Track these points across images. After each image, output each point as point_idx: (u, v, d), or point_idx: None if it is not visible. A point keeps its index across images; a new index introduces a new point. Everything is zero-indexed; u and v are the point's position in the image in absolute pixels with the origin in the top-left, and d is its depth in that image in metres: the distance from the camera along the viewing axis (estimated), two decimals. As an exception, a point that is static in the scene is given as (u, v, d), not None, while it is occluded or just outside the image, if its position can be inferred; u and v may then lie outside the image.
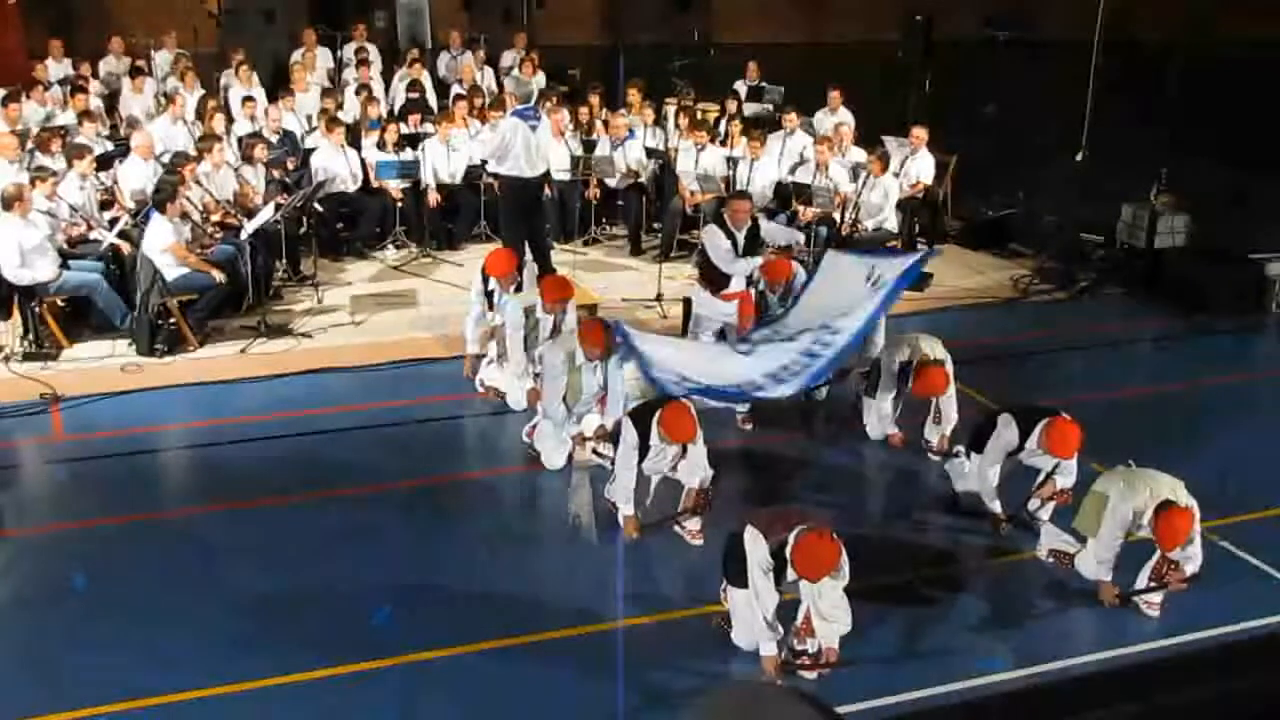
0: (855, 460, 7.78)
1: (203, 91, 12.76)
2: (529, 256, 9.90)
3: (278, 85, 13.15)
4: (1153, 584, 6.00)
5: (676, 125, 12.48)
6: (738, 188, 11.12)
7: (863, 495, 7.44)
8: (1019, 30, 24.16)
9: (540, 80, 14.18)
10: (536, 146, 9.84)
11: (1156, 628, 5.95)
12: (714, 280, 8.22)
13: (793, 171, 11.50)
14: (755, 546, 5.33)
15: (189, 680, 5.31)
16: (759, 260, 8.22)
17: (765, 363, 7.04)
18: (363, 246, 11.47)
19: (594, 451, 7.32)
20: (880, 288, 7.24)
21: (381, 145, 11.48)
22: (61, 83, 12.83)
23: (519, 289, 8.30)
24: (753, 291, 8.38)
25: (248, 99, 12.32)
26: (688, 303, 8.71)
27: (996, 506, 6.72)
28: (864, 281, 7.43)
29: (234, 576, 6.16)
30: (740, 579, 5.44)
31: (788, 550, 5.24)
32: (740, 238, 8.12)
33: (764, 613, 5.37)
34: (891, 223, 10.90)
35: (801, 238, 8.84)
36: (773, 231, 8.58)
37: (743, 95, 13.73)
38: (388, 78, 14.36)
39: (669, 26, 20.11)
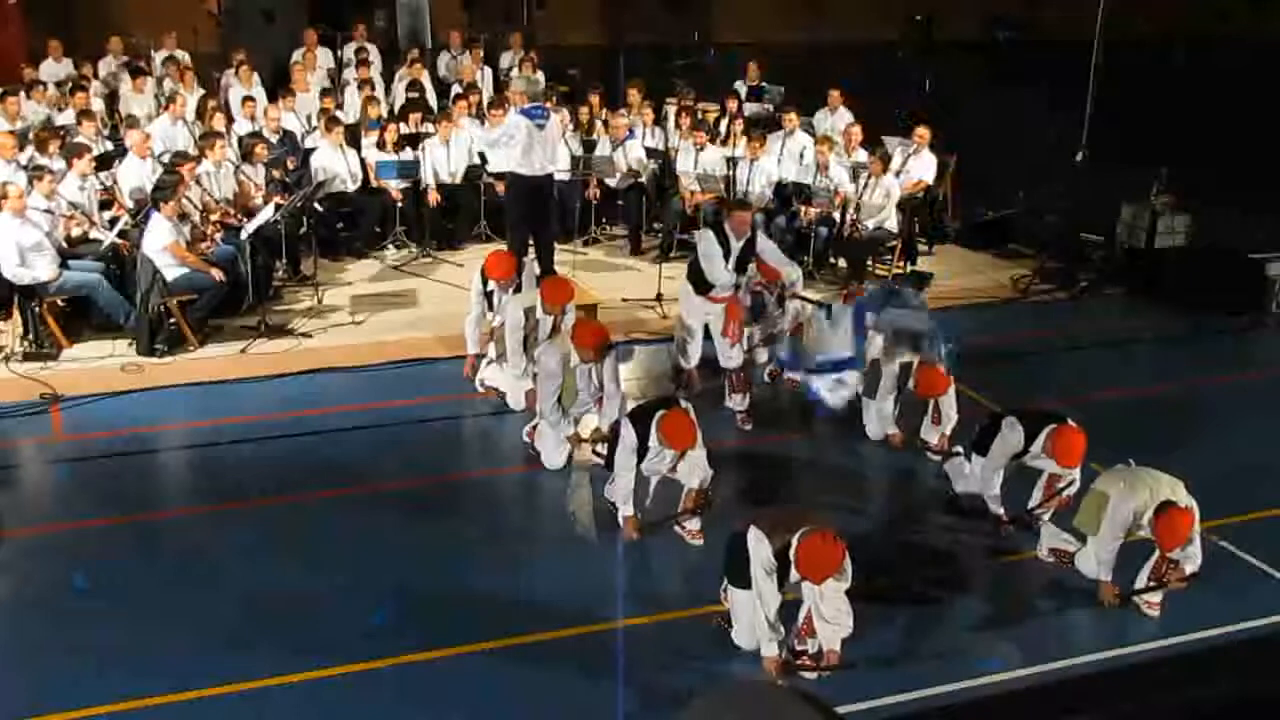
0: (855, 460, 7.78)
1: (202, 91, 12.77)
2: (530, 256, 9.92)
3: (278, 85, 13.16)
4: (1153, 584, 6.01)
5: (676, 125, 12.48)
6: (738, 188, 11.14)
7: (863, 495, 7.43)
8: (1019, 30, 24.19)
9: (540, 80, 14.18)
10: (544, 145, 9.84)
11: (1156, 628, 5.95)
12: (699, 282, 8.09)
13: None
14: (759, 547, 5.33)
15: (189, 680, 5.30)
16: (742, 279, 8.05)
17: None
18: (363, 246, 11.48)
19: (593, 452, 7.32)
20: None
21: (381, 145, 11.48)
22: (60, 84, 12.83)
23: (518, 290, 8.30)
24: (745, 295, 8.34)
25: (248, 99, 12.32)
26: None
27: (999, 509, 6.72)
28: None
29: (234, 576, 6.15)
30: (743, 580, 5.43)
31: (791, 552, 5.24)
32: (736, 248, 7.94)
33: (766, 614, 5.36)
34: (892, 223, 10.90)
35: (798, 276, 8.53)
36: (770, 254, 8.20)
37: (743, 95, 13.72)
38: (388, 78, 14.36)
39: (669, 26, 20.11)
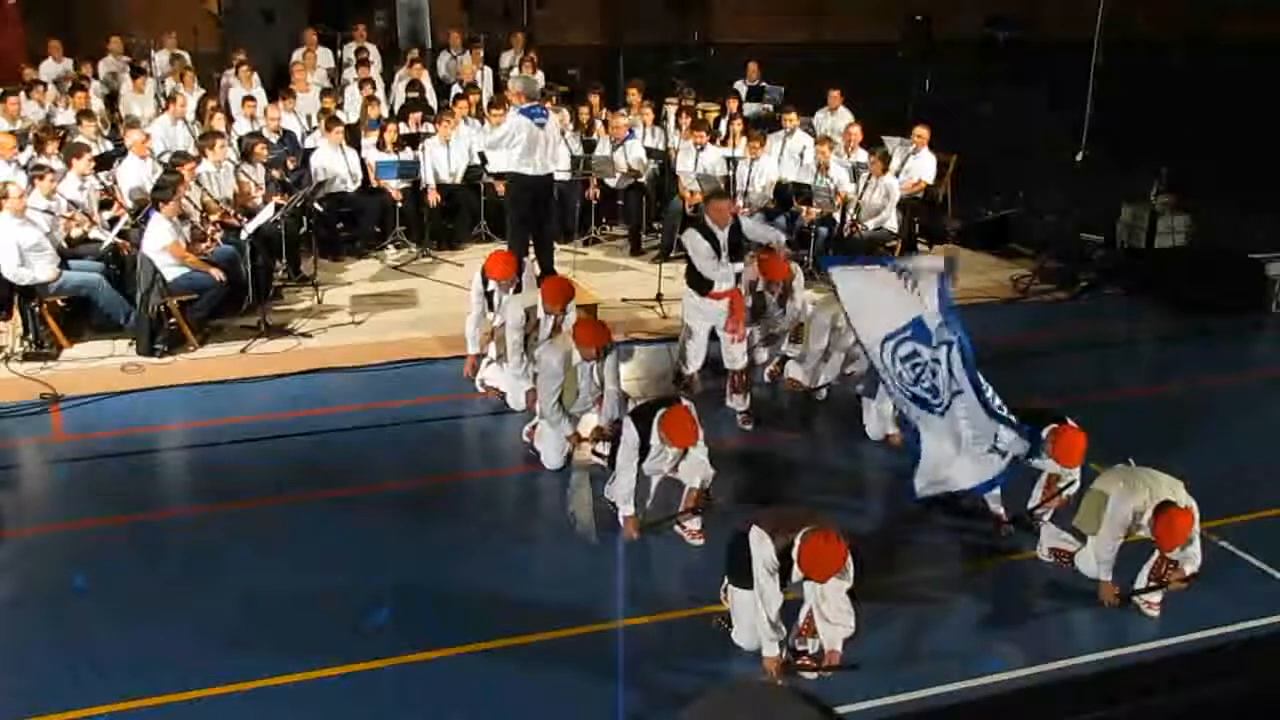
0: (855, 460, 7.78)
1: (203, 91, 12.77)
2: (531, 256, 9.92)
3: (278, 85, 13.16)
4: (1153, 584, 6.01)
5: (677, 125, 12.48)
6: (738, 188, 11.14)
7: (863, 495, 7.43)
8: (1019, 30, 24.18)
9: (540, 80, 14.19)
10: (544, 145, 9.84)
11: (1156, 628, 5.95)
12: (700, 282, 8.11)
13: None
14: (761, 546, 5.32)
15: (188, 680, 5.30)
16: (740, 266, 8.12)
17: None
18: (363, 246, 11.49)
19: (593, 452, 7.32)
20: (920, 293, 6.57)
21: (381, 145, 11.48)
22: (58, 82, 12.83)
23: (518, 290, 8.30)
24: (744, 291, 8.36)
25: (248, 99, 12.33)
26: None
27: (999, 509, 6.71)
28: (900, 284, 6.69)
29: (233, 577, 6.15)
30: (745, 579, 5.43)
31: (794, 551, 5.23)
32: (722, 238, 7.97)
33: (768, 613, 5.36)
34: (892, 223, 10.90)
35: (782, 236, 8.61)
36: (753, 229, 8.33)
37: (743, 95, 13.73)
38: (388, 78, 14.37)
39: (669, 26, 20.12)
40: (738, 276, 8.18)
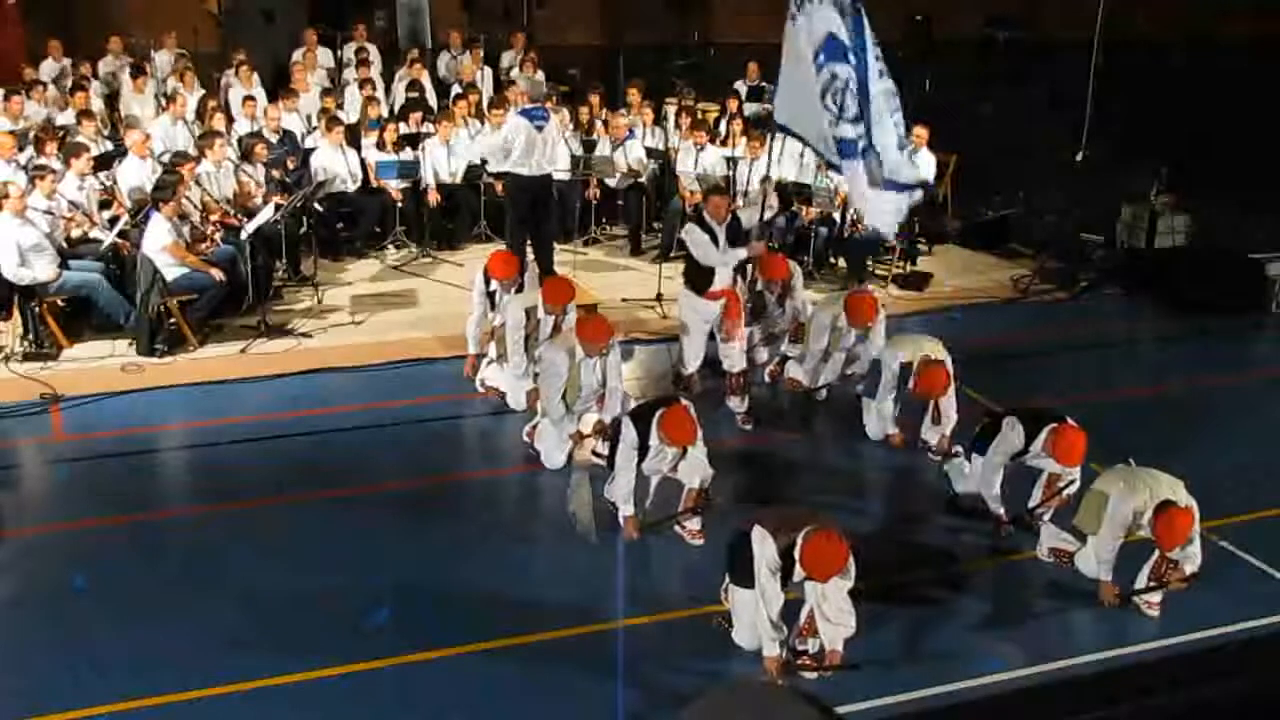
0: (855, 460, 7.78)
1: (203, 91, 12.77)
2: (531, 257, 9.92)
3: (278, 85, 13.16)
4: (1153, 584, 6.01)
5: (676, 125, 12.48)
6: (738, 188, 11.14)
7: (863, 495, 7.43)
8: (1019, 30, 24.16)
9: (543, 82, 14.19)
10: (543, 146, 9.84)
11: (1156, 628, 5.95)
12: (697, 281, 8.12)
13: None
14: (763, 546, 5.32)
15: (188, 680, 5.30)
16: (743, 252, 8.12)
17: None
18: (363, 246, 11.49)
19: (593, 451, 7.32)
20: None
21: (381, 145, 11.48)
22: (57, 80, 12.83)
23: (520, 290, 8.30)
24: (742, 290, 8.36)
25: (248, 99, 12.33)
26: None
27: (999, 508, 6.71)
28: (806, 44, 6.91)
29: (233, 577, 6.15)
30: (746, 579, 5.43)
31: (796, 550, 5.23)
32: (721, 233, 7.97)
33: (769, 613, 5.36)
34: (892, 223, 10.87)
35: (773, 193, 8.60)
36: (746, 216, 8.27)
37: (743, 95, 13.72)
38: (388, 78, 14.37)
39: (669, 26, 20.11)
40: (741, 267, 8.15)
